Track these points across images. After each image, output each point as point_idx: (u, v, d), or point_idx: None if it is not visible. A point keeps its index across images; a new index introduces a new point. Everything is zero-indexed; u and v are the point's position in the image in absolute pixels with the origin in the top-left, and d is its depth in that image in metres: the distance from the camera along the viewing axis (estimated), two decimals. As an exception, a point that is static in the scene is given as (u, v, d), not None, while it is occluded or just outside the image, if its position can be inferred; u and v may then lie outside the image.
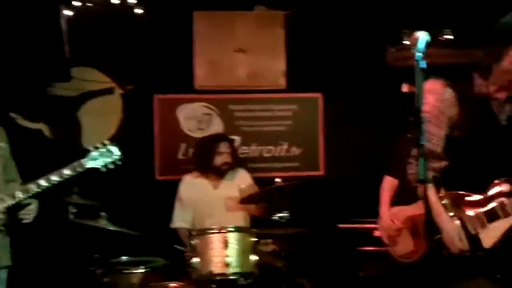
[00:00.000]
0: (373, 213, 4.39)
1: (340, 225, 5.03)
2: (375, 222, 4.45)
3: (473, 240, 2.99)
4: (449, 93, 3.07)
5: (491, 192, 2.99)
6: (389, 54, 5.44)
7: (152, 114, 5.52)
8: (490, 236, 2.95)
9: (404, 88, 5.35)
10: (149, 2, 5.30)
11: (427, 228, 3.12)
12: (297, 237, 4.35)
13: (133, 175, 5.30)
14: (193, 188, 4.90)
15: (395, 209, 4.12)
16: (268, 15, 5.56)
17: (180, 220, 4.87)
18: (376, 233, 4.50)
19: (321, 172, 5.73)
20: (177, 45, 5.49)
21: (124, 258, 4.30)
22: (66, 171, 3.37)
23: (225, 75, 5.51)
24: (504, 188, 2.95)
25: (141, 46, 5.44)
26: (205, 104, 5.59)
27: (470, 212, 3.02)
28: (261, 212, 4.78)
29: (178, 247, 4.43)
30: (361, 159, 5.53)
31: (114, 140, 4.13)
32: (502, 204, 2.94)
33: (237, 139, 5.56)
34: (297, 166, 5.71)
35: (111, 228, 4.11)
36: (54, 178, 3.32)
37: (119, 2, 5.19)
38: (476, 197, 3.03)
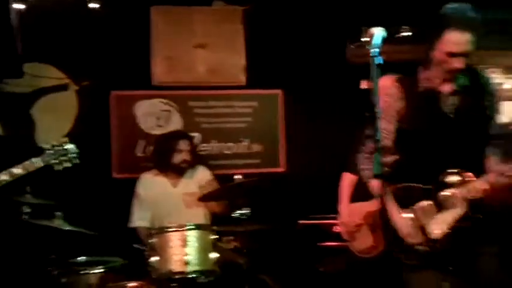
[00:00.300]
0: (333, 209, 4.40)
1: (301, 221, 5.04)
2: (335, 218, 4.47)
3: (424, 231, 3.04)
4: (395, 88, 3.16)
5: (441, 183, 3.04)
6: (349, 51, 5.45)
7: (109, 111, 5.41)
8: (438, 227, 3.01)
9: (363, 84, 5.38)
10: (106, -4, 5.21)
11: (382, 223, 3.21)
12: (258, 233, 4.33)
13: (90, 173, 5.18)
14: (152, 186, 4.84)
15: (355, 205, 4.15)
16: (227, 11, 5.51)
17: (139, 219, 4.80)
18: (336, 229, 4.53)
19: (281, 169, 5.71)
20: (135, 41, 5.40)
21: (81, 258, 4.22)
22: (17, 170, 3.28)
23: (183, 71, 5.44)
24: (453, 179, 3.01)
25: (97, 41, 5.32)
26: (164, 100, 5.51)
27: (421, 204, 3.07)
28: (222, 209, 4.75)
29: (137, 246, 4.37)
30: (321, 155, 5.55)
31: (69, 138, 4.08)
32: (450, 196, 3.00)
33: (197, 136, 5.49)
34: (257, 163, 5.68)
35: (67, 228, 4.02)
36: (4, 177, 3.23)
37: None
38: (426, 189, 3.08)
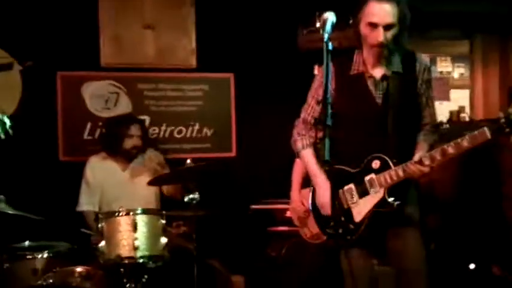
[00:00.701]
0: (285, 194, 4.42)
1: (252, 206, 5.04)
2: (286, 203, 4.49)
3: (347, 213, 3.17)
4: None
5: (364, 168, 3.13)
6: (300, 37, 5.44)
7: (55, 92, 5.26)
8: (359, 210, 3.13)
9: (316, 70, 5.40)
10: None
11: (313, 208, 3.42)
12: (208, 218, 4.30)
13: (36, 156, 5.11)
14: (100, 169, 4.74)
15: (306, 190, 4.17)
16: (178, -8, 5.43)
17: (86, 203, 4.71)
18: (287, 214, 4.56)
19: (232, 153, 5.69)
20: (82, 20, 5.25)
21: (26, 243, 4.11)
22: None
23: (132, 53, 5.32)
24: (374, 164, 3.09)
25: (43, 20, 5.17)
26: (112, 82, 5.39)
27: (346, 187, 3.18)
28: (177, 191, 4.68)
29: (84, 231, 4.29)
30: (272, 140, 5.52)
31: (13, 119, 3.96)
32: (371, 180, 3.09)
33: (146, 119, 5.41)
34: (208, 147, 5.64)
35: (11, 212, 3.91)
36: None
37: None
38: (353, 173, 3.17)
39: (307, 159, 3.32)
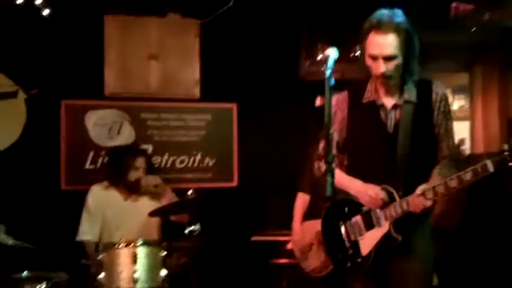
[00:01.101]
0: (286, 225, 4.42)
1: (254, 238, 5.02)
2: (287, 235, 4.48)
3: (354, 246, 3.10)
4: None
5: None
6: (302, 68, 5.47)
7: (59, 121, 5.28)
8: (366, 243, 3.05)
9: (318, 102, 5.42)
10: (58, 3, 5.09)
11: (323, 240, 3.30)
12: (209, 249, 4.29)
13: (38, 185, 5.10)
14: (102, 199, 4.69)
15: (308, 223, 4.17)
16: (183, 23, 5.45)
17: (87, 232, 4.64)
18: (289, 246, 4.55)
19: (234, 183, 5.68)
20: (87, 50, 5.29)
21: (24, 273, 4.07)
22: None
23: (137, 83, 5.35)
24: (384, 196, 3.00)
25: (48, 49, 5.21)
26: (115, 111, 5.41)
27: (354, 219, 3.12)
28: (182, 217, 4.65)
29: (85, 262, 4.26)
30: (274, 171, 5.55)
31: (17, 147, 3.95)
32: (376, 213, 3.02)
33: (149, 148, 5.41)
34: (210, 177, 5.63)
35: (10, 243, 3.90)
36: None
37: (24, 1, 4.94)
38: (358, 204, 3.10)
39: (338, 175, 3.07)
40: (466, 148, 7.94)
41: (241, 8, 5.13)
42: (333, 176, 2.45)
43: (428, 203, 2.88)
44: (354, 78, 5.05)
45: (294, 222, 4.28)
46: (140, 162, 4.66)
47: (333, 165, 2.50)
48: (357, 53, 5.23)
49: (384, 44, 2.88)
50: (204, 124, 5.64)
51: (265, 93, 5.64)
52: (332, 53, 2.67)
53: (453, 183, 2.81)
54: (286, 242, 4.70)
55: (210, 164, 5.63)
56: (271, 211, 5.28)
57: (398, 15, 2.94)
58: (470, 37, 5.87)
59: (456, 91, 9.79)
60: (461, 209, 4.70)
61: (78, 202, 4.83)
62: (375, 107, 3.07)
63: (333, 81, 2.59)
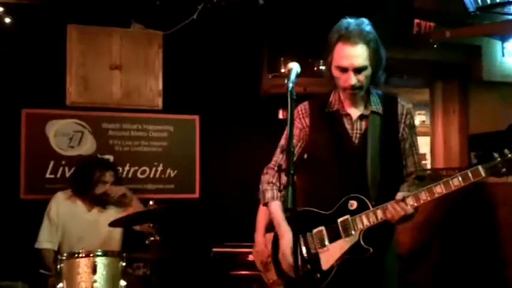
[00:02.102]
0: (248, 237, 4.42)
1: (214, 249, 5.01)
2: (249, 247, 4.48)
3: (314, 260, 2.92)
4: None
5: (338, 209, 2.91)
6: (265, 81, 5.51)
7: (19, 130, 5.22)
8: (328, 257, 2.89)
9: (281, 114, 5.48)
10: (20, 11, 5.05)
11: (273, 256, 3.19)
12: (169, 261, 4.27)
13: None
14: (65, 208, 4.57)
15: (269, 235, 4.16)
16: (147, 34, 5.45)
17: (47, 240, 4.51)
18: (250, 258, 4.55)
19: (196, 195, 5.68)
20: (49, 59, 5.27)
21: (-20, 283, 4.02)
22: None
23: (99, 93, 5.30)
24: (350, 205, 2.89)
25: (9, 57, 5.18)
26: (76, 120, 5.39)
27: (315, 230, 2.94)
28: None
29: (43, 272, 4.20)
30: (236, 182, 5.57)
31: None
32: (345, 222, 2.88)
33: (110, 158, 5.38)
34: (172, 188, 5.63)
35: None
36: None
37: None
38: (322, 214, 2.95)
39: (274, 210, 3.07)
40: (427, 163, 8.08)
41: (204, 21, 5.16)
42: (294, 188, 2.36)
43: (410, 210, 2.75)
44: (316, 92, 5.16)
45: (256, 234, 4.28)
46: (109, 176, 4.58)
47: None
48: (321, 67, 5.35)
49: (354, 55, 2.77)
50: (166, 135, 5.65)
51: (228, 106, 5.69)
52: (294, 66, 2.66)
53: (438, 189, 2.72)
54: (247, 253, 4.71)
55: (172, 175, 5.63)
56: (233, 222, 5.29)
57: (366, 24, 2.86)
58: (431, 54, 5.99)
59: (417, 107, 9.97)
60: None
61: (37, 211, 4.77)
62: (339, 117, 2.97)
63: (295, 95, 2.55)
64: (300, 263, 2.59)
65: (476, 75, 6.24)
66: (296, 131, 3.06)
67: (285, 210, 2.38)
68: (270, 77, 5.47)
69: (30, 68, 5.23)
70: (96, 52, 5.30)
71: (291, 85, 2.58)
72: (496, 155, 2.72)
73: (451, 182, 2.70)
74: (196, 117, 5.72)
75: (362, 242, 2.82)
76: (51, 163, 5.29)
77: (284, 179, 2.83)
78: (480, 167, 2.69)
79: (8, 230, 4.96)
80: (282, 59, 5.40)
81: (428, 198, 2.74)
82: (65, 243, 4.55)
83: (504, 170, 2.69)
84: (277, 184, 3.03)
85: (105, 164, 4.77)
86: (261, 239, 4.19)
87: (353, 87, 2.82)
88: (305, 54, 5.30)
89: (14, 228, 4.98)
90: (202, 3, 5.04)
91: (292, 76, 2.62)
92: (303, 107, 3.10)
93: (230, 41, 5.65)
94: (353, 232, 2.84)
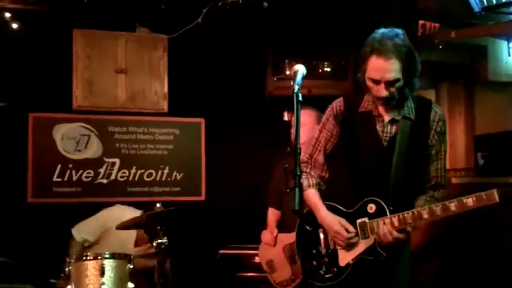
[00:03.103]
0: (254, 239, 4.43)
1: (220, 251, 5.02)
2: (255, 248, 4.49)
3: (332, 255, 3.01)
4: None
5: (358, 210, 2.97)
6: (270, 83, 5.52)
7: (27, 134, 5.25)
8: (346, 254, 2.96)
9: (286, 116, 5.49)
10: (26, 17, 5.08)
11: (297, 252, 3.20)
12: (176, 263, 4.28)
13: (4, 197, 5.06)
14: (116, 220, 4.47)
15: (283, 235, 4.18)
16: (152, 38, 5.48)
17: (83, 231, 4.52)
18: (256, 260, 4.56)
19: (202, 197, 5.69)
20: (56, 63, 5.29)
21: (-11, 286, 4.04)
22: None
23: (105, 96, 5.34)
24: (369, 208, 2.94)
25: (16, 62, 5.22)
26: (83, 124, 5.41)
27: None
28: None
29: (53, 281, 4.21)
30: (242, 185, 5.59)
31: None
32: (363, 225, 2.94)
33: (116, 161, 5.41)
34: (178, 191, 5.64)
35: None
36: None
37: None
38: (344, 211, 3.00)
39: (312, 197, 3.09)
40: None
41: (209, 24, 5.17)
42: (301, 190, 2.39)
43: (422, 224, 2.81)
44: (321, 94, 5.18)
45: (265, 232, 4.29)
46: None
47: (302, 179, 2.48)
48: (325, 69, 5.36)
49: (386, 70, 2.77)
50: (172, 138, 5.66)
51: (233, 108, 5.70)
52: (300, 68, 2.68)
53: (452, 207, 2.73)
54: (253, 255, 4.72)
55: (178, 177, 5.64)
56: (238, 225, 5.31)
57: (400, 37, 2.81)
58: (436, 55, 5.98)
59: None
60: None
61: (44, 215, 4.81)
62: (371, 118, 2.98)
63: (301, 97, 2.57)
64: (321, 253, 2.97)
65: (482, 76, 6.22)
66: (330, 127, 3.10)
67: (292, 211, 2.36)
68: (274, 79, 5.46)
69: (37, 72, 5.26)
70: (102, 56, 5.33)
71: (296, 87, 2.60)
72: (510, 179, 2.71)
73: (464, 202, 2.70)
74: (202, 120, 5.73)
75: (377, 246, 2.88)
76: (58, 167, 5.31)
77: (317, 172, 3.12)
78: (495, 191, 2.63)
79: (15, 233, 4.97)
80: (286, 61, 5.41)
81: (443, 215, 2.75)
82: (94, 247, 4.59)
83: None
84: (312, 173, 3.14)
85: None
86: (271, 238, 4.20)
87: (385, 99, 2.84)
88: (309, 56, 5.32)
89: (22, 231, 5.00)
90: (207, 7, 5.06)
91: (298, 78, 2.64)
92: (338, 104, 3.10)
93: (235, 44, 5.66)
94: (370, 235, 2.91)
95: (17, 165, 5.20)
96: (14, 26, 5.08)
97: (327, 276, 3.00)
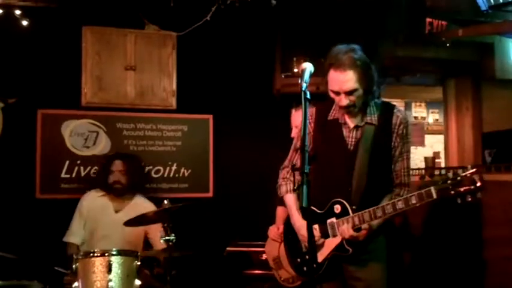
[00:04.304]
0: (261, 236, 4.44)
1: (228, 248, 5.03)
2: (262, 246, 4.50)
3: (313, 251, 3.15)
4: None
5: (327, 210, 3.22)
6: (277, 80, 5.53)
7: (35, 130, 5.28)
8: (321, 251, 3.23)
9: (293, 114, 5.47)
10: (36, 14, 5.11)
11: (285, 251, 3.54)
12: (183, 260, 4.29)
13: (13, 193, 5.09)
14: (96, 205, 4.81)
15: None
16: (161, 35, 5.50)
17: (73, 234, 4.75)
18: (264, 257, 4.57)
19: (210, 194, 5.71)
20: (65, 60, 5.32)
21: (-1, 282, 4.07)
22: None
23: (113, 93, 5.36)
24: (336, 209, 3.19)
25: (25, 58, 5.24)
26: (92, 121, 5.42)
27: (314, 226, 3.18)
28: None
29: (58, 269, 4.24)
30: (250, 182, 5.60)
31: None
32: (331, 224, 3.19)
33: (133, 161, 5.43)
34: (186, 187, 5.66)
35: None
36: None
37: (3, 12, 4.98)
38: (317, 212, 3.24)
39: (289, 203, 3.41)
40: (441, 161, 8.05)
41: (218, 21, 5.18)
42: (308, 187, 2.46)
43: (376, 221, 3.08)
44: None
45: (272, 228, 4.30)
46: (116, 165, 4.86)
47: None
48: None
49: (343, 81, 3.02)
50: (180, 135, 5.67)
51: (241, 105, 5.71)
52: (308, 66, 2.74)
53: (400, 205, 2.98)
54: (261, 252, 4.73)
55: (186, 174, 5.66)
56: (246, 221, 5.32)
57: (355, 51, 3.05)
58: (443, 52, 5.99)
59: (430, 105, 9.95)
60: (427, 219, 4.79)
61: (52, 211, 4.85)
62: (338, 125, 3.23)
63: (308, 95, 2.64)
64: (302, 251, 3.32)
65: (489, 73, 6.24)
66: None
67: (300, 209, 2.47)
68: (282, 76, 5.48)
69: (46, 69, 5.29)
70: (111, 53, 5.36)
71: (304, 85, 2.68)
72: (450, 174, 2.90)
73: (409, 199, 2.96)
74: (210, 117, 5.74)
75: (344, 243, 3.15)
76: (67, 163, 5.33)
77: (298, 176, 3.08)
78: (432, 188, 2.89)
79: (23, 229, 5.01)
80: (294, 58, 5.40)
81: (393, 212, 3.01)
82: (89, 240, 4.66)
83: (453, 192, 2.86)
84: (291, 179, 3.35)
85: (113, 154, 5.10)
86: (280, 233, 4.21)
87: (346, 107, 3.10)
88: (317, 53, 5.30)
89: (30, 227, 5.04)
90: (215, 4, 5.06)
91: (306, 76, 2.73)
92: (310, 113, 3.30)
93: (243, 41, 5.67)
94: (338, 233, 3.17)
95: (26, 161, 5.23)
96: (24, 23, 5.11)
97: (310, 271, 3.27)
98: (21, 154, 5.22)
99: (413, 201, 2.93)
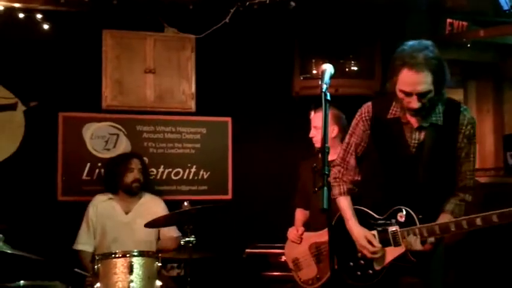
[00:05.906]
0: (280, 238, 4.44)
1: (247, 250, 5.04)
2: (281, 248, 4.50)
3: (367, 258, 3.11)
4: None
5: (389, 217, 3.07)
6: (297, 82, 5.52)
7: (57, 133, 5.32)
8: (380, 259, 3.07)
9: (312, 115, 5.47)
10: (57, 18, 5.17)
11: (329, 253, 3.22)
12: (203, 262, 4.31)
13: (35, 195, 5.16)
14: (103, 209, 4.79)
15: (308, 234, 4.19)
16: (180, 38, 5.52)
17: (84, 243, 4.75)
18: (283, 259, 4.57)
19: (229, 196, 5.71)
20: (86, 64, 5.37)
21: (21, 282, 4.08)
22: None
23: (133, 96, 5.41)
24: (399, 217, 3.02)
25: (47, 62, 5.30)
26: (112, 123, 5.46)
27: (372, 232, 3.11)
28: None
29: (78, 271, 4.27)
30: (268, 184, 5.61)
31: (16, 158, 3.94)
32: (395, 233, 3.03)
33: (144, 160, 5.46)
34: (205, 189, 5.67)
35: (9, 252, 3.91)
36: None
37: (25, 16, 5.03)
38: (376, 217, 3.12)
39: (343, 207, 3.23)
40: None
41: (236, 24, 5.19)
42: (329, 189, 2.42)
43: (421, 247, 2.92)
44: (348, 93, 5.17)
45: (291, 230, 4.29)
46: (134, 163, 4.86)
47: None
48: (352, 67, 5.36)
49: (418, 83, 2.81)
50: (199, 137, 5.68)
51: (260, 108, 5.71)
52: (328, 68, 2.71)
53: (478, 222, 2.77)
54: (280, 254, 4.73)
55: (205, 176, 5.67)
56: (265, 223, 5.32)
57: (430, 49, 2.88)
58: (464, 54, 5.94)
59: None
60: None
61: (74, 213, 4.89)
62: (399, 124, 3.04)
63: (329, 96, 2.60)
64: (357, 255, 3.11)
65: (510, 74, 6.17)
66: (359, 132, 3.18)
67: (321, 211, 2.40)
68: (301, 78, 5.46)
69: (67, 72, 5.34)
70: (131, 56, 5.40)
71: (324, 86, 2.63)
72: None
73: (489, 217, 2.74)
74: (229, 119, 5.75)
75: (408, 253, 2.97)
76: (88, 165, 5.37)
77: (349, 176, 3.23)
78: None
79: (45, 231, 5.07)
80: (313, 60, 5.40)
81: (469, 229, 2.82)
82: (101, 244, 4.67)
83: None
84: (344, 179, 3.26)
85: (128, 154, 5.12)
86: (297, 235, 4.21)
87: (417, 110, 2.89)
88: (336, 55, 5.31)
89: (52, 229, 5.10)
90: (234, 7, 5.07)
91: (326, 77, 2.68)
92: (366, 109, 3.18)
93: (262, 44, 5.67)
94: (401, 243, 3.00)
95: (47, 164, 5.27)
96: (45, 27, 5.15)
97: (363, 277, 3.12)
98: (43, 157, 5.26)
99: (495, 220, 2.71)
